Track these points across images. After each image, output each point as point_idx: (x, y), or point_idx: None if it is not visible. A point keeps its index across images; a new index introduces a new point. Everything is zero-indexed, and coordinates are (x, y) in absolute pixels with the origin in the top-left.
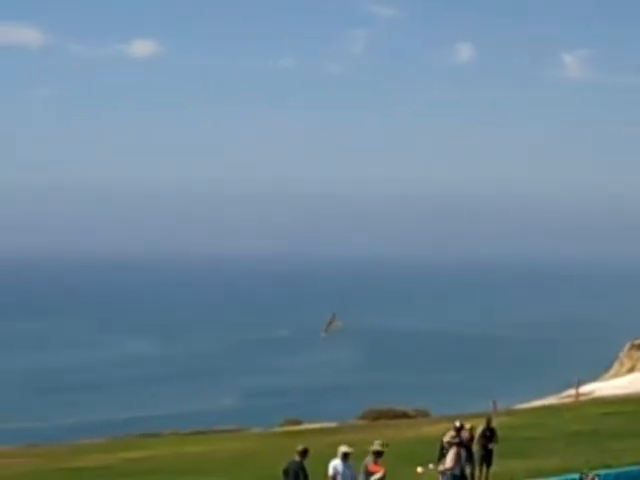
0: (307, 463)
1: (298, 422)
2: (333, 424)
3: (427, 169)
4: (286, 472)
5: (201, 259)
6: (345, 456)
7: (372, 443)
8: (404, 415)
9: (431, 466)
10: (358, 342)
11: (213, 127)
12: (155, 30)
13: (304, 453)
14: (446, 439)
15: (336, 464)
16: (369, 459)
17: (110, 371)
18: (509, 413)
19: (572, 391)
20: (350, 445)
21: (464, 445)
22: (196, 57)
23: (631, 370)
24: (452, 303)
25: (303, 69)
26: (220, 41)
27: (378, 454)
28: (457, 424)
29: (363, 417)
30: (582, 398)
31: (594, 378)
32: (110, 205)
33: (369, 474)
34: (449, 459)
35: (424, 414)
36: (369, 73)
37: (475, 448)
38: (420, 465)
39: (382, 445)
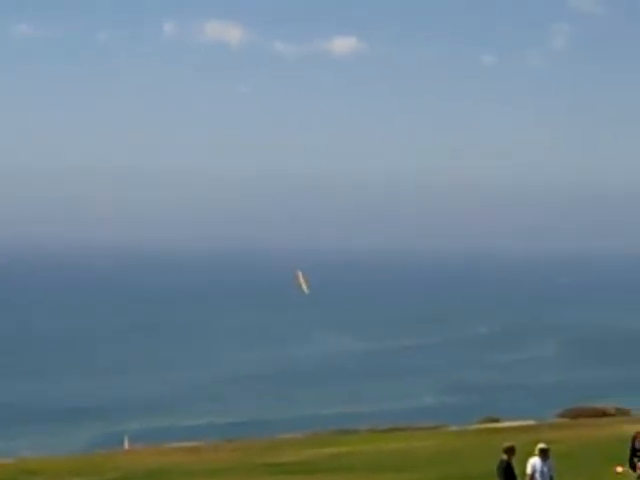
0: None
1: (496, 420)
2: (531, 422)
3: None
4: (497, 470)
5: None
6: (543, 453)
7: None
8: (604, 414)
9: (619, 469)
10: (560, 339)
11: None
12: (356, 27)
13: (509, 450)
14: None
15: (534, 462)
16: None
17: (313, 367)
18: None
19: None
20: (548, 443)
21: None
22: (397, 54)
23: None
24: None
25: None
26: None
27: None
28: None
29: (563, 415)
30: None
31: None
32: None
33: None
34: None
35: (625, 413)
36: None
37: None
38: (619, 464)
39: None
